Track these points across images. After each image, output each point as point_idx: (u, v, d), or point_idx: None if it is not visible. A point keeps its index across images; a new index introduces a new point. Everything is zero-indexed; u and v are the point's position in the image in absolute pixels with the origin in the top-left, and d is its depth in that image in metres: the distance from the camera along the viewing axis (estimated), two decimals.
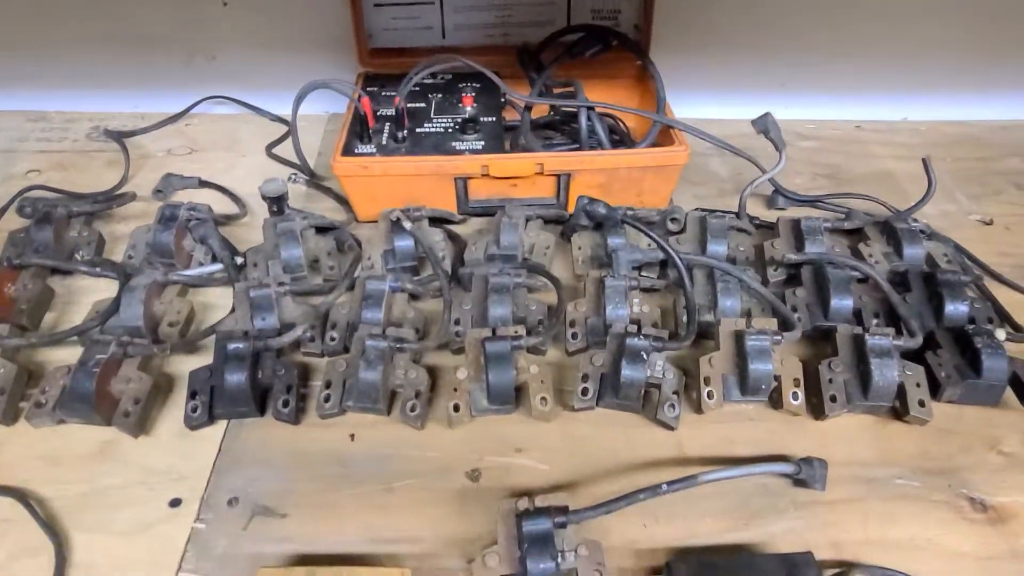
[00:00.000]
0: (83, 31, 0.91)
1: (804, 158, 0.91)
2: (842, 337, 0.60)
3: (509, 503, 0.49)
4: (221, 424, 0.57)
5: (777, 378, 0.58)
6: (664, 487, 0.48)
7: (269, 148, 0.89)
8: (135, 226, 0.73)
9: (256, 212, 0.80)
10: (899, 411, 0.58)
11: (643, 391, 0.57)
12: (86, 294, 0.68)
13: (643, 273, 0.69)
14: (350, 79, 0.86)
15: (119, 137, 0.86)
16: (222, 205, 0.80)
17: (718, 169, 0.89)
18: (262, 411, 0.57)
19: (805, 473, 0.51)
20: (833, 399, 0.57)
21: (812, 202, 0.81)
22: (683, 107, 0.93)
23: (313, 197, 0.83)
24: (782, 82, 0.99)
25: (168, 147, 0.91)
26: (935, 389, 0.58)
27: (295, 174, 0.84)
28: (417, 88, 0.85)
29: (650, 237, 0.63)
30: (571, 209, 0.76)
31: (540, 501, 0.48)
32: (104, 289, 0.67)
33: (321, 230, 0.73)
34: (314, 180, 0.83)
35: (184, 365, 0.60)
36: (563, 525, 0.46)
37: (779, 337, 0.57)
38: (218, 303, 0.68)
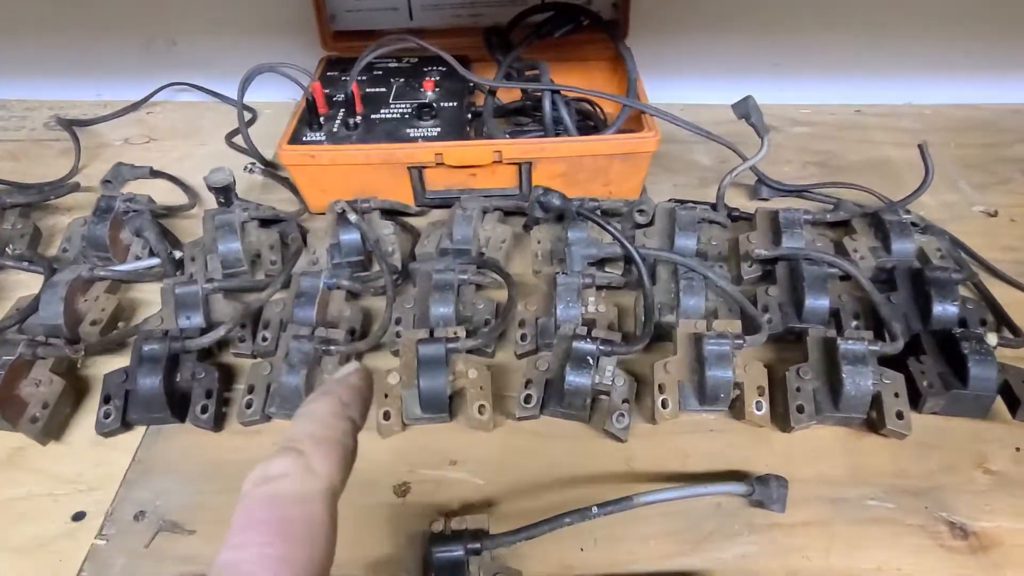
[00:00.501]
0: (40, 14, 0.88)
1: (796, 145, 0.85)
2: (813, 341, 0.54)
3: (439, 523, 0.44)
4: (139, 431, 0.54)
5: (739, 386, 0.52)
6: (595, 510, 0.43)
7: (229, 137, 0.86)
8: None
9: (207, 203, 0.76)
10: (874, 423, 0.52)
11: (590, 399, 0.52)
12: (18, 289, 0.65)
13: (606, 269, 0.64)
14: (312, 63, 0.82)
15: (69, 125, 0.83)
16: (173, 196, 0.77)
17: (700, 158, 0.83)
18: (182, 417, 0.53)
19: (760, 494, 0.46)
20: (800, 409, 0.52)
21: (798, 192, 0.76)
22: (667, 91, 0.87)
23: (270, 187, 0.79)
24: (775, 63, 0.93)
25: (126, 136, 0.87)
26: (916, 399, 0.53)
27: (252, 163, 0.80)
28: (379, 72, 0.80)
29: (605, 230, 0.58)
30: None
31: (458, 523, 0.43)
32: (36, 285, 0.64)
33: (267, 222, 0.69)
34: (270, 170, 0.79)
35: (109, 367, 0.57)
36: (477, 552, 0.41)
37: (741, 341, 0.52)
38: (156, 301, 0.64)
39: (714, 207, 0.70)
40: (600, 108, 0.81)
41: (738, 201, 0.75)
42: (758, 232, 0.66)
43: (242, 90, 0.70)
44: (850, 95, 0.93)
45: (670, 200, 0.72)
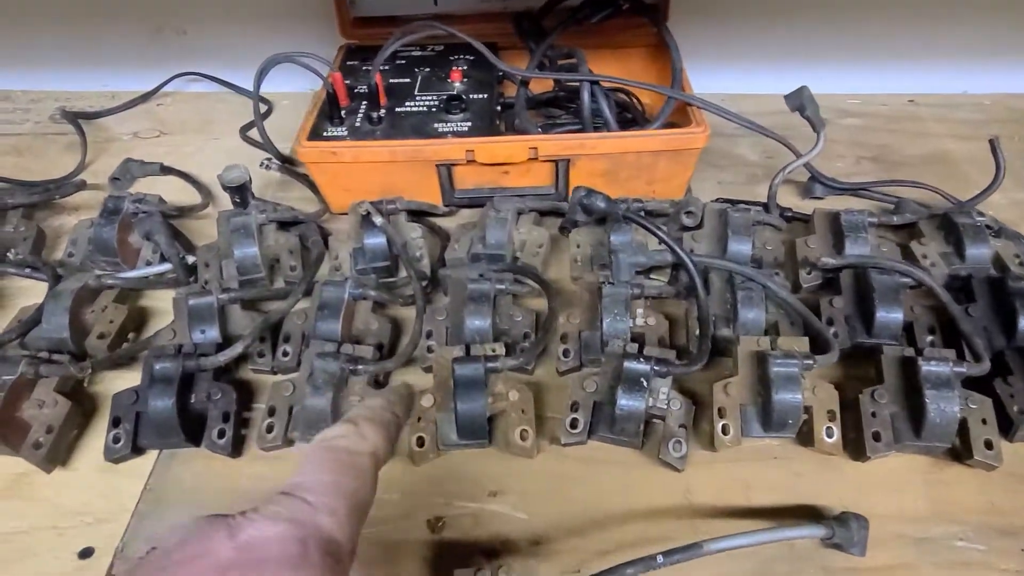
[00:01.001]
0: (45, 1, 0.84)
1: (847, 138, 0.79)
2: (889, 361, 0.49)
3: (464, 573, 0.40)
4: (151, 456, 0.50)
5: (808, 410, 0.47)
6: (660, 559, 0.38)
7: (243, 130, 0.81)
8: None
9: (222, 202, 0.71)
10: (960, 452, 0.47)
11: (643, 424, 0.48)
12: (20, 297, 0.61)
13: (651, 276, 0.59)
14: (330, 52, 0.77)
15: (75, 119, 0.78)
16: (185, 194, 0.72)
17: (746, 152, 0.78)
18: (197, 441, 0.49)
19: (840, 536, 0.41)
20: (877, 437, 0.47)
21: (855, 191, 0.70)
22: (705, 80, 0.81)
23: (287, 185, 0.74)
24: (822, 51, 0.87)
25: (135, 129, 0.83)
26: (1006, 426, 0.47)
27: (268, 159, 0.75)
28: (403, 62, 0.75)
29: (658, 237, 0.53)
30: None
31: (504, 571, 0.39)
32: (40, 292, 0.60)
33: (285, 224, 0.64)
34: (288, 166, 0.74)
35: (118, 384, 0.52)
36: None
37: (811, 361, 0.47)
38: (167, 309, 0.60)
39: (765, 207, 0.65)
40: (637, 99, 0.75)
41: (789, 200, 0.70)
42: (817, 236, 0.61)
43: (258, 82, 0.65)
44: (902, 84, 0.87)
45: (718, 200, 0.67)
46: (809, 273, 0.58)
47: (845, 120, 0.83)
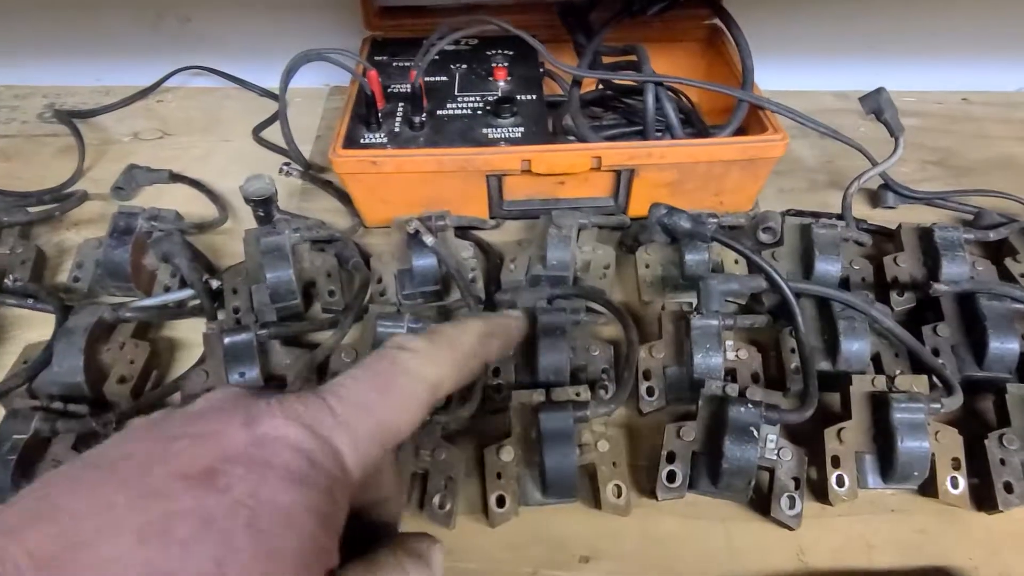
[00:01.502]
0: None
1: (908, 140, 0.74)
2: (1015, 399, 0.45)
3: None
4: None
5: (931, 458, 0.43)
6: None
7: (256, 131, 0.74)
8: (88, 236, 0.58)
9: (240, 215, 0.65)
10: None
11: (754, 477, 0.42)
12: (20, 328, 0.53)
13: (727, 299, 0.54)
14: (354, 45, 0.70)
15: (68, 118, 0.71)
16: (198, 206, 0.65)
17: (804, 155, 0.73)
18: None
19: None
20: (1008, 488, 0.42)
21: (929, 200, 0.65)
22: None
23: (310, 194, 0.67)
24: (871, 44, 0.82)
25: (135, 130, 0.75)
26: None
27: (288, 164, 0.68)
28: (436, 58, 0.68)
29: (759, 266, 0.47)
30: (632, 212, 0.61)
31: None
32: (45, 324, 0.53)
33: (318, 243, 0.57)
34: (311, 173, 0.68)
35: None
36: None
37: (938, 405, 0.42)
38: (195, 340, 0.53)
39: (840, 218, 0.60)
40: (688, 99, 0.70)
41: (858, 209, 0.65)
42: (906, 254, 0.56)
43: (285, 82, 0.58)
44: (955, 80, 0.83)
45: (790, 211, 0.62)
46: (901, 295, 0.53)
47: (904, 120, 0.77)
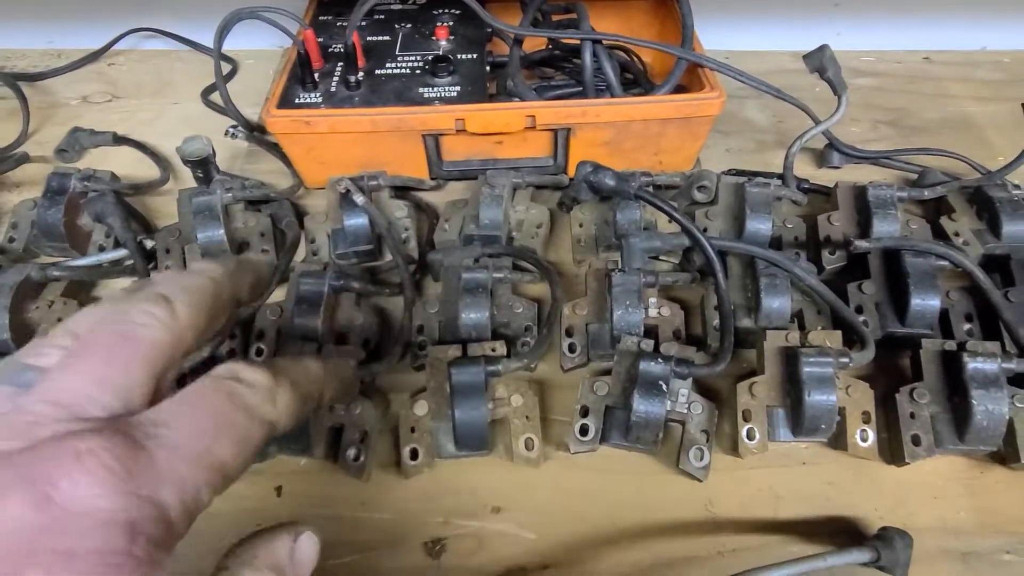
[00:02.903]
0: None
1: (861, 100, 0.74)
2: (929, 355, 0.45)
3: None
4: None
5: (841, 411, 0.43)
6: None
7: (205, 94, 0.73)
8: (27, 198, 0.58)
9: (183, 177, 0.64)
10: (1005, 455, 0.43)
11: (662, 430, 0.43)
12: None
13: (661, 258, 0.54)
14: (301, 6, 0.69)
15: (14, 81, 0.70)
16: (142, 167, 0.65)
17: (755, 115, 0.72)
18: None
19: (886, 559, 0.37)
20: (916, 441, 0.43)
21: (875, 159, 0.65)
22: (707, 36, 0.75)
23: (255, 156, 0.67)
24: (832, 3, 0.81)
25: (84, 93, 0.75)
26: None
27: (235, 127, 0.68)
28: (381, 16, 0.68)
29: (677, 221, 0.47)
30: (572, 172, 0.61)
31: None
32: None
33: (255, 203, 0.58)
34: (257, 135, 0.67)
35: None
36: None
37: (847, 360, 0.43)
38: None
39: (781, 178, 0.60)
40: (638, 57, 0.69)
41: (803, 169, 0.65)
42: (840, 212, 0.55)
43: (219, 41, 0.58)
44: (917, 40, 0.82)
45: (730, 171, 0.62)
46: (833, 254, 0.53)
47: (858, 80, 0.77)
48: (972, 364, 0.42)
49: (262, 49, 0.80)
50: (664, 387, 0.42)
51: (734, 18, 0.80)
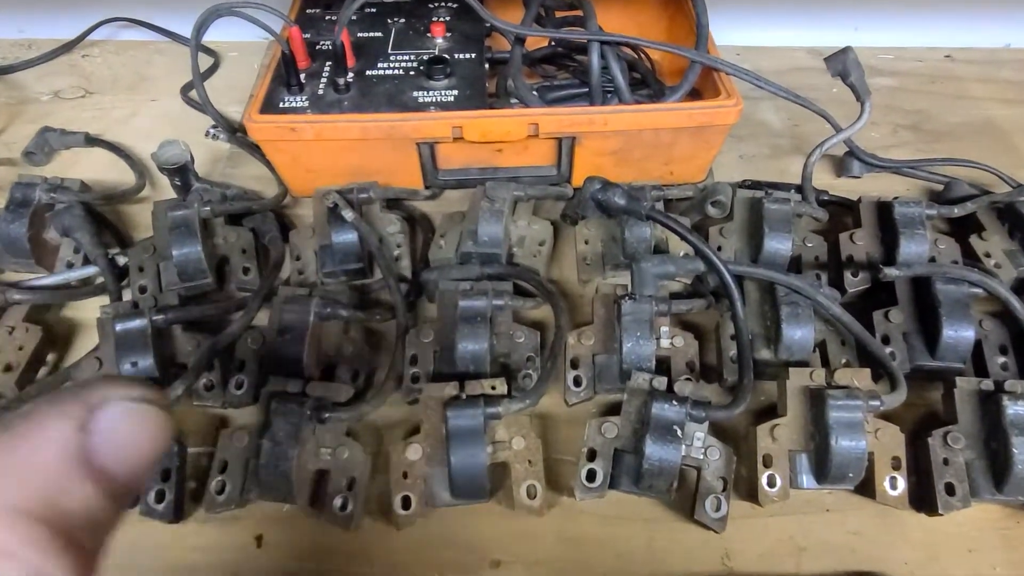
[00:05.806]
0: None
1: (881, 101, 0.70)
2: (964, 395, 0.42)
3: None
4: None
5: (869, 456, 0.40)
6: None
7: (185, 90, 0.69)
8: None
9: (161, 183, 0.60)
10: None
11: (676, 478, 0.40)
12: None
13: (680, 280, 0.50)
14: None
15: None
16: (117, 172, 0.61)
17: (769, 118, 0.68)
18: (132, 502, 0.40)
19: None
20: (950, 490, 0.39)
21: (898, 169, 0.61)
22: (717, 30, 0.72)
23: (238, 159, 0.63)
24: None
25: (56, 87, 0.70)
26: None
27: (215, 127, 0.64)
28: (373, 10, 0.63)
29: (696, 248, 0.43)
30: (576, 182, 0.57)
31: None
32: None
33: (237, 216, 0.54)
34: (239, 136, 0.63)
35: None
36: None
37: (877, 403, 0.39)
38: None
39: (799, 190, 0.56)
40: (646, 56, 0.65)
41: (821, 178, 0.61)
42: (864, 230, 0.52)
43: (196, 38, 0.53)
44: (937, 36, 0.77)
45: (745, 182, 0.58)
46: (856, 276, 0.50)
47: (876, 79, 0.73)
48: (1012, 408, 0.39)
49: (246, 41, 0.75)
50: (679, 432, 0.39)
51: (745, 12, 0.76)
